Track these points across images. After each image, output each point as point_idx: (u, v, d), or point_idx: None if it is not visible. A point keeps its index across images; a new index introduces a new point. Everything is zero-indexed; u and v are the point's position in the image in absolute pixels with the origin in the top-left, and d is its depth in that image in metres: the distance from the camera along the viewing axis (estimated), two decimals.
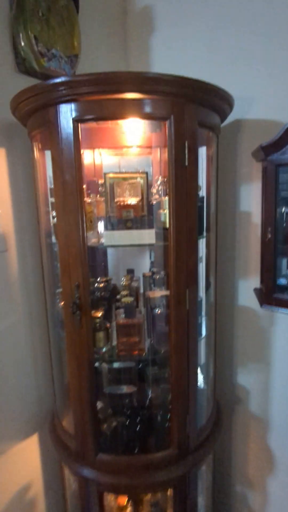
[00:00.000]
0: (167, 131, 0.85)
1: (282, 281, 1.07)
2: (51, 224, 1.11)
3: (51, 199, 1.10)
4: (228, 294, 1.32)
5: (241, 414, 1.40)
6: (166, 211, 0.98)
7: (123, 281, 1.24)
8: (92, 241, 1.00)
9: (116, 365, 1.12)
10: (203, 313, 1.18)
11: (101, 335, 1.01)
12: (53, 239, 1.13)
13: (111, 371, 1.13)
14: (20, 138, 1.15)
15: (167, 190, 1.00)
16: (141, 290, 1.33)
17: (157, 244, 0.98)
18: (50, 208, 1.11)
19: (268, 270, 1.03)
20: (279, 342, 1.22)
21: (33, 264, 1.24)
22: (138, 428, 1.09)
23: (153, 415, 1.14)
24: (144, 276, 1.31)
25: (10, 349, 1.20)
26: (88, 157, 1.30)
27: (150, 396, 1.17)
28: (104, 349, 1.02)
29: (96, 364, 1.06)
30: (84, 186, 0.96)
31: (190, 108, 0.86)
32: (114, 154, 1.35)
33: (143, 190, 0.98)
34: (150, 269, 1.38)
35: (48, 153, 1.09)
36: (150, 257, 1.45)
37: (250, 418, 1.38)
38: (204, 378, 1.24)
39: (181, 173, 0.87)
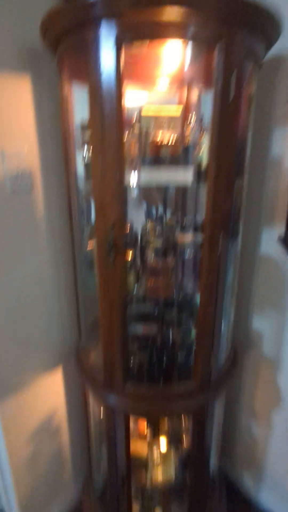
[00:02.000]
0: (215, 59, 0.79)
1: None
2: (81, 162, 1.08)
3: (81, 136, 1.05)
4: (251, 242, 1.33)
5: (253, 356, 1.49)
6: (203, 150, 0.95)
7: (148, 224, 1.24)
8: (126, 180, 0.98)
9: (142, 305, 1.16)
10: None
11: (131, 276, 1.03)
12: (82, 178, 1.10)
13: (138, 311, 1.17)
14: (47, 67, 1.07)
15: (205, 129, 0.96)
16: (165, 234, 1.32)
17: (191, 185, 0.97)
18: (80, 145, 1.06)
19: None
20: None
21: (58, 204, 1.22)
22: (163, 363, 1.16)
23: (175, 353, 1.21)
24: (168, 220, 1.30)
25: (37, 288, 1.24)
26: None
27: (172, 335, 1.23)
28: (134, 290, 1.05)
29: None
30: None
31: (240, 33, 0.79)
32: (144, 89, 1.26)
33: (180, 127, 0.94)
34: (172, 214, 1.37)
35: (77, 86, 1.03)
36: (167, 201, 1.42)
37: (261, 360, 1.47)
38: (225, 321, 1.29)
39: (225, 110, 0.82)
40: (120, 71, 0.79)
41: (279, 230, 1.24)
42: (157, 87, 1.16)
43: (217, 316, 1.06)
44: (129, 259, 1.05)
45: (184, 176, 0.93)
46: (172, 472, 1.29)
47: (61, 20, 0.82)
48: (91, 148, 0.88)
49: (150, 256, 1.06)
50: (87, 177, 1.08)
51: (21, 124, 1.06)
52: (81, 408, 1.53)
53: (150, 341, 1.22)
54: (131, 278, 1.03)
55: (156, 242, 1.08)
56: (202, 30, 0.76)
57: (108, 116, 0.82)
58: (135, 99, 1.16)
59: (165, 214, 1.29)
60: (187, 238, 1.09)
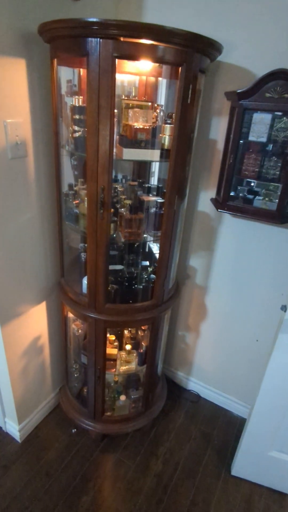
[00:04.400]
0: (179, 75, 1.14)
1: (232, 193, 1.57)
2: (70, 136, 1.35)
3: (70, 115, 1.32)
4: (192, 202, 1.79)
5: (189, 285, 2.04)
6: (166, 136, 1.32)
7: (118, 188, 1.59)
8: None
9: (114, 248, 1.56)
10: None
11: (111, 225, 1.40)
12: (68, 149, 1.39)
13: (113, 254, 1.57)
14: (37, 50, 1.27)
15: (169, 120, 1.33)
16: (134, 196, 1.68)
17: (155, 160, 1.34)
18: (71, 123, 1.33)
19: (227, 185, 1.50)
20: (223, 236, 1.79)
21: (45, 169, 1.49)
22: (129, 290, 1.60)
23: (138, 283, 1.66)
24: (130, 185, 1.66)
25: (27, 237, 1.53)
26: None
27: (136, 270, 1.67)
28: (114, 235, 1.43)
29: None
30: None
31: (196, 57, 1.14)
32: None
33: (149, 117, 1.28)
34: (133, 179, 1.74)
35: (65, 69, 1.28)
36: (134, 170, 1.79)
37: (194, 287, 2.02)
38: (173, 260, 1.78)
39: (185, 109, 1.20)
40: (114, 73, 1.09)
41: (211, 193, 1.72)
42: (135, 87, 1.46)
43: (170, 255, 1.52)
44: (111, 213, 1.40)
45: (155, 155, 1.30)
46: (133, 365, 1.81)
47: (61, 28, 1.06)
48: (88, 130, 1.18)
49: (125, 211, 1.43)
50: (76, 149, 1.37)
51: (17, 100, 1.27)
52: (59, 333, 1.93)
53: (120, 274, 1.64)
54: (112, 226, 1.40)
55: (129, 201, 1.46)
56: (169, 56, 1.10)
57: (103, 107, 1.13)
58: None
59: (134, 180, 1.65)
60: (151, 198, 1.49)
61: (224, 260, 1.85)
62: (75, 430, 1.98)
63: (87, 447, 1.90)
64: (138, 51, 1.06)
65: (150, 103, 1.31)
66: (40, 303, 1.74)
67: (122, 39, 1.03)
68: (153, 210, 1.44)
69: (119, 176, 1.77)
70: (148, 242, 1.74)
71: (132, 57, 1.09)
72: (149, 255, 1.75)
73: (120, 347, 1.87)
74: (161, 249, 1.47)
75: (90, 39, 1.04)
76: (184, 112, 1.21)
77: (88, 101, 1.14)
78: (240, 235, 1.74)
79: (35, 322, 1.75)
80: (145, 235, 1.53)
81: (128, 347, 1.78)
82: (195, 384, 2.32)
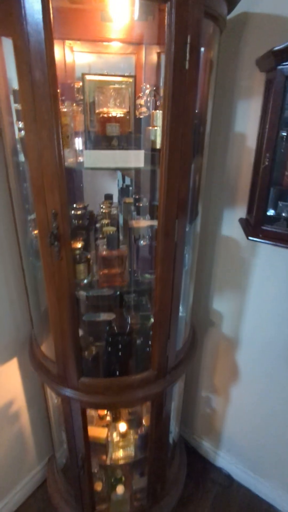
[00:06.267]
0: (166, 19, 0.66)
1: (271, 211, 1.03)
2: (17, 138, 0.93)
3: (16, 105, 0.90)
4: (212, 223, 1.28)
5: (213, 335, 1.50)
6: (158, 128, 0.84)
7: (103, 208, 1.13)
8: (69, 161, 0.85)
9: (95, 293, 1.09)
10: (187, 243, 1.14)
11: (81, 267, 0.94)
12: (21, 156, 0.96)
13: (90, 300, 1.10)
14: None
15: (160, 101, 0.85)
16: (120, 219, 1.23)
17: (145, 168, 0.86)
18: (14, 117, 0.91)
19: (262, 200, 0.97)
20: (259, 271, 1.24)
21: None
22: (118, 353, 1.12)
23: (133, 341, 1.17)
24: (124, 203, 1.19)
25: None
26: (56, 52, 1.04)
27: (129, 323, 1.18)
28: (85, 281, 0.96)
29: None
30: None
31: None
32: (87, 50, 1.10)
33: (130, 99, 0.81)
34: (130, 195, 1.26)
35: (5, 41, 0.86)
36: (123, 181, 1.31)
37: (221, 338, 1.48)
38: (183, 305, 1.26)
39: (180, 79, 0.71)
40: (49, 23, 0.64)
41: (240, 211, 1.19)
42: (101, 50, 1.00)
43: (174, 305, 1.01)
44: (80, 247, 0.95)
45: (136, 158, 0.82)
46: (132, 450, 1.31)
47: None
48: (25, 123, 0.74)
49: (102, 245, 0.96)
50: (26, 155, 0.94)
51: None
52: (41, 394, 1.49)
53: (108, 329, 1.16)
54: (81, 267, 0.94)
55: (112, 229, 0.99)
56: None
57: (39, 82, 0.68)
58: (75, 62, 1.00)
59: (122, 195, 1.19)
60: (143, 223, 1.01)
61: (262, 303, 1.29)
62: None
63: None
64: None
65: (131, 79, 0.84)
66: (9, 360, 1.32)
67: None
68: (141, 242, 0.95)
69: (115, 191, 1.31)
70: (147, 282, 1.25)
71: None
72: (151, 299, 1.26)
73: (115, 422, 1.38)
74: (157, 301, 0.97)
75: None
76: (180, 86, 0.72)
77: (20, 77, 0.70)
78: (285, 270, 1.18)
79: (4, 383, 1.34)
80: (136, 276, 1.04)
81: (122, 427, 1.28)
82: (225, 461, 1.74)
